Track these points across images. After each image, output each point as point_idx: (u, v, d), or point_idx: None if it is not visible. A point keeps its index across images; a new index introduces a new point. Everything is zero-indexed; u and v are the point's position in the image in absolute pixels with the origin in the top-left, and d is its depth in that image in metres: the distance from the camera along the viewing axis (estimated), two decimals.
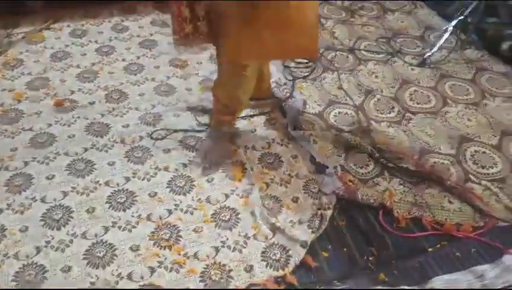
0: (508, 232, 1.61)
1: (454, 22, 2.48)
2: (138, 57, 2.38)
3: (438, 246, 1.56)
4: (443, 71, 2.43)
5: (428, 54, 2.48)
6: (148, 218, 1.60)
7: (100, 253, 1.47)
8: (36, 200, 1.62)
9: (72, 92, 2.11)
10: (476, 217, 1.68)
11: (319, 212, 1.64)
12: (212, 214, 1.63)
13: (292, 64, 2.41)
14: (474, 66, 2.48)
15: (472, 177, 1.83)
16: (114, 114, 2.01)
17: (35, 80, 2.15)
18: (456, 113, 2.16)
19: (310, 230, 1.58)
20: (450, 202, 1.73)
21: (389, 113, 2.16)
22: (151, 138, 1.91)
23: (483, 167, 1.87)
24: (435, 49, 2.49)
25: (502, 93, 2.28)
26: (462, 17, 2.44)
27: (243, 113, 2.02)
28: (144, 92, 2.16)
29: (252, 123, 2.04)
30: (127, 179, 1.73)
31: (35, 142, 1.84)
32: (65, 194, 1.65)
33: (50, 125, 1.92)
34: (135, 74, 2.26)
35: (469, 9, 2.43)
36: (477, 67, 2.47)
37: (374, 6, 3.01)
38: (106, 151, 1.83)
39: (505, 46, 2.51)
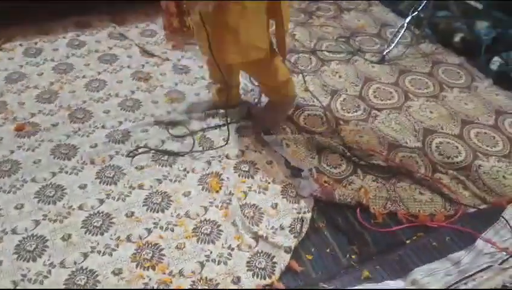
0: (477, 218, 1.69)
1: (408, 19, 2.56)
2: (99, 73, 2.31)
3: (415, 238, 1.62)
4: (402, 67, 2.52)
5: (386, 51, 2.56)
6: (128, 239, 1.56)
7: (81, 281, 1.42)
8: (7, 232, 1.54)
9: (33, 115, 2.02)
10: (446, 206, 1.74)
11: (299, 216, 1.66)
12: (193, 229, 1.61)
13: None
14: (430, 59, 2.58)
15: (439, 168, 1.90)
16: (80, 134, 1.95)
17: None
18: (418, 106, 2.24)
19: (292, 235, 1.59)
20: (421, 193, 1.79)
21: (356, 111, 2.21)
22: (129, 156, 1.87)
23: (448, 157, 1.95)
24: (392, 46, 2.57)
25: (458, 84, 2.39)
26: (415, 13, 2.52)
27: (212, 124, 2.03)
28: (109, 108, 2.10)
29: (223, 132, 2.03)
30: (101, 201, 1.68)
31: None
32: (37, 223, 1.58)
33: (13, 151, 1.83)
34: (98, 91, 2.20)
35: (422, 5, 2.51)
36: (433, 60, 2.57)
37: (330, 6, 3.07)
38: (76, 174, 1.77)
39: (456, 38, 2.63)
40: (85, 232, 1.57)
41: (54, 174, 1.76)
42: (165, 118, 2.06)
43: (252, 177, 1.84)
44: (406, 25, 2.57)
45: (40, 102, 2.09)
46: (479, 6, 2.77)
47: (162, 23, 1.83)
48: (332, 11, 3.03)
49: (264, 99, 2.20)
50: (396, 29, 2.63)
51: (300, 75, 2.42)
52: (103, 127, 2.00)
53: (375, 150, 1.98)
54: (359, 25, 2.88)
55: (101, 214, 1.63)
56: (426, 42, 2.73)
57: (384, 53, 2.55)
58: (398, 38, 2.57)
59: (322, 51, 2.62)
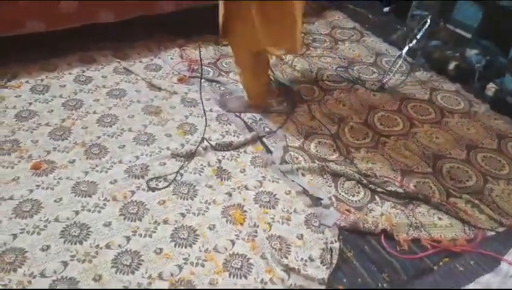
0: (497, 240, 1.76)
1: (405, 49, 2.68)
2: (109, 108, 2.31)
3: (441, 263, 1.67)
4: (402, 94, 2.62)
5: (385, 79, 2.66)
6: (160, 277, 1.55)
7: None
8: (35, 276, 1.50)
9: (48, 152, 2.00)
10: (466, 230, 1.81)
11: (328, 246, 1.69)
12: (223, 264, 1.61)
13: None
14: (427, 86, 2.70)
15: (453, 192, 1.97)
16: (98, 170, 1.94)
17: (3, 143, 2.01)
18: (424, 132, 2.33)
19: (324, 266, 1.62)
20: (439, 218, 1.85)
21: (364, 139, 2.28)
22: (148, 187, 1.87)
23: (460, 182, 2.03)
24: (391, 75, 2.68)
25: (458, 110, 2.51)
26: (413, 43, 2.64)
27: (227, 154, 2.07)
28: (124, 143, 2.10)
29: (239, 164, 2.06)
30: (128, 239, 1.66)
31: (20, 212, 1.71)
32: (65, 264, 1.55)
33: (32, 191, 1.80)
34: (110, 126, 2.19)
35: (419, 36, 2.64)
36: (431, 87, 2.69)
37: (325, 38, 3.18)
38: (99, 211, 1.75)
39: (451, 66, 2.76)
40: (116, 272, 1.55)
41: (76, 212, 1.74)
42: (181, 151, 2.07)
43: (274, 208, 1.86)
44: (403, 55, 2.69)
45: (53, 139, 2.07)
46: (468, 35, 2.92)
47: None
48: (328, 42, 3.14)
49: (272, 126, 2.25)
50: (394, 59, 2.75)
51: (305, 104, 2.48)
52: (120, 162, 1.99)
53: (390, 177, 2.04)
54: (355, 55, 2.99)
55: (129, 252, 1.61)
56: (421, 70, 2.85)
57: (384, 81, 2.65)
58: (396, 67, 2.68)
59: (323, 80, 2.70)
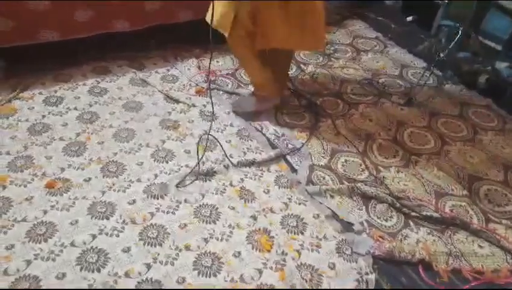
0: None
1: (435, 61, 2.56)
2: (126, 122, 2.21)
3: None
4: (430, 109, 2.50)
5: (413, 92, 2.54)
6: None
7: None
8: None
9: (63, 170, 1.89)
10: (508, 259, 1.68)
11: (363, 278, 1.57)
12: None
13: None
14: (457, 101, 2.57)
15: (492, 217, 1.85)
16: (116, 189, 1.83)
17: (16, 159, 1.91)
18: (457, 151, 2.20)
19: None
20: (480, 246, 1.73)
21: (394, 157, 2.16)
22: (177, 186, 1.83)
23: (498, 206, 1.90)
24: (419, 88, 2.56)
25: (491, 127, 2.38)
26: (443, 55, 2.53)
27: (250, 173, 1.96)
28: (142, 160, 1.99)
29: (262, 183, 1.94)
30: (149, 266, 1.55)
31: (34, 235, 1.61)
32: None
33: (46, 212, 1.70)
34: (127, 141, 2.09)
35: (447, 50, 2.52)
36: (460, 102, 2.56)
37: (347, 48, 3.07)
38: (117, 235, 1.65)
39: (481, 79, 2.64)
40: None
41: (93, 236, 1.63)
42: (201, 169, 1.96)
43: (302, 233, 1.74)
44: (432, 68, 2.57)
45: (68, 155, 1.97)
46: (498, 47, 2.80)
47: None
48: (350, 52, 3.02)
49: (296, 143, 2.14)
50: (423, 72, 2.63)
51: (329, 118, 2.37)
52: (138, 180, 1.89)
53: (424, 199, 1.92)
54: (379, 66, 2.87)
55: (150, 281, 1.50)
56: (449, 83, 2.73)
57: (412, 96, 2.53)
58: (425, 81, 2.56)
59: (347, 94, 2.58)
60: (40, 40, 2.34)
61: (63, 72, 2.49)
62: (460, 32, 2.48)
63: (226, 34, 2.06)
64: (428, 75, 2.57)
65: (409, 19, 3.31)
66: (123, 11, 2.47)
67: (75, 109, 2.25)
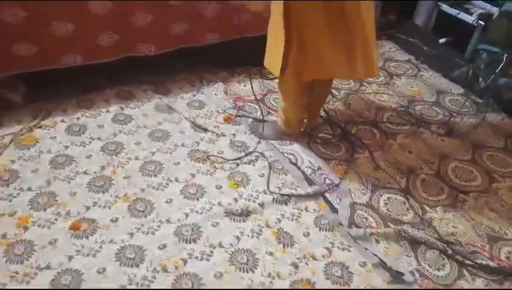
0: None
1: (478, 88, 2.42)
2: (152, 153, 2.08)
3: None
4: (473, 140, 2.35)
5: (453, 122, 2.40)
6: None
7: None
8: None
9: (87, 208, 1.76)
10: None
11: None
12: None
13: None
14: (500, 132, 2.42)
15: None
16: (144, 231, 1.70)
17: (38, 196, 1.79)
18: (507, 189, 2.05)
19: None
20: None
21: (439, 195, 2.01)
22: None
23: None
24: (459, 117, 2.42)
25: None
26: (487, 82, 2.38)
27: (287, 213, 1.82)
28: (171, 197, 1.86)
29: (301, 225, 1.80)
30: None
31: (58, 285, 1.48)
32: None
33: (71, 258, 1.57)
34: (155, 175, 1.96)
35: (490, 78, 2.38)
36: (505, 133, 2.41)
37: (379, 72, 2.93)
38: (148, 286, 1.51)
39: None
40: None
41: (123, 287, 1.49)
42: (235, 208, 1.82)
43: (348, 284, 1.59)
44: (473, 97, 2.43)
45: (93, 191, 1.84)
46: None
47: None
48: (383, 76, 2.89)
49: (333, 178, 2.00)
50: (464, 100, 2.48)
51: (366, 150, 2.23)
52: (168, 221, 1.75)
53: (476, 245, 1.77)
54: (414, 92, 2.73)
55: None
56: (489, 111, 2.58)
57: (452, 126, 2.38)
58: (462, 109, 2.42)
59: (384, 122, 2.44)
60: (63, 65, 2.23)
61: (85, 98, 2.38)
62: (505, 59, 2.33)
63: (276, 74, 1.95)
64: (467, 103, 2.42)
65: (442, 41, 3.17)
66: (149, 35, 2.36)
67: (99, 139, 2.13)
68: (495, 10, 2.98)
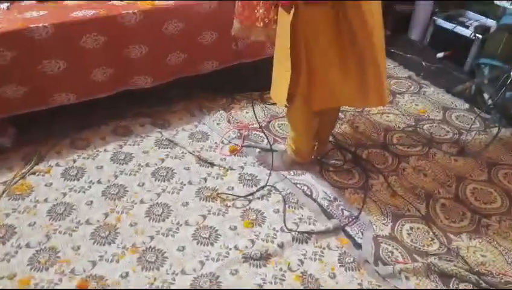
0: None
1: (488, 104, 2.37)
2: (158, 195, 1.95)
3: None
4: (486, 158, 2.28)
5: (464, 141, 2.34)
6: None
7: None
8: None
9: (94, 264, 1.62)
10: None
11: None
12: None
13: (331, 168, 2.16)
14: (511, 147, 2.36)
15: None
16: (158, 286, 1.56)
17: (38, 253, 1.64)
18: None
19: None
20: None
21: (462, 220, 1.93)
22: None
23: None
24: (468, 135, 2.36)
25: None
26: (496, 100, 2.33)
27: (310, 251, 1.70)
28: (183, 243, 1.73)
29: (326, 265, 1.69)
30: None
31: None
32: None
33: None
34: (163, 220, 1.82)
35: (499, 96, 2.33)
36: None
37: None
38: None
39: None
40: None
41: None
42: (253, 252, 1.70)
43: None
44: (481, 113, 2.37)
45: (98, 243, 1.70)
46: None
47: (238, 11, 1.85)
48: None
49: (351, 209, 1.90)
50: (474, 118, 2.43)
51: (380, 175, 2.14)
52: (183, 272, 1.62)
53: (508, 274, 1.68)
54: (420, 110, 2.66)
55: None
56: (496, 126, 2.52)
57: (464, 145, 2.31)
58: (476, 128, 2.36)
59: (394, 145, 2.36)
60: (54, 104, 2.10)
61: (80, 137, 2.24)
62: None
63: (282, 106, 1.85)
64: (474, 119, 2.37)
65: (440, 55, 3.13)
66: (145, 67, 2.25)
67: (99, 182, 1.99)
68: (491, 23, 2.96)
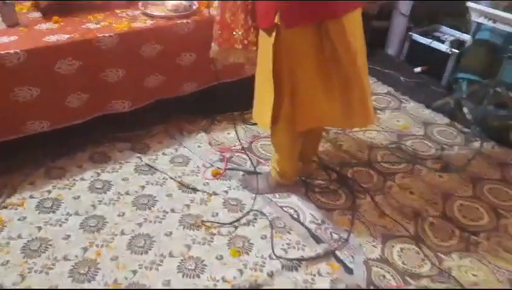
0: None
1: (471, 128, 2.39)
2: (139, 225, 1.86)
3: None
4: (470, 173, 2.29)
5: (447, 156, 2.34)
6: None
7: None
8: None
9: None
10: None
11: None
12: None
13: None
14: (494, 162, 2.37)
15: None
16: None
17: None
18: None
19: None
20: None
21: (451, 239, 1.91)
22: None
23: None
24: (452, 149, 2.37)
25: None
26: (470, 117, 2.35)
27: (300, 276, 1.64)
28: (168, 277, 1.64)
29: None
30: None
31: None
32: None
33: None
34: (146, 252, 1.74)
35: (480, 111, 2.35)
36: (499, 162, 2.37)
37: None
38: None
39: None
40: None
41: None
42: (242, 283, 1.63)
43: None
44: (468, 131, 2.39)
45: (77, 281, 1.60)
46: None
47: (216, 34, 1.79)
48: None
49: (339, 232, 1.86)
50: (456, 134, 2.44)
51: (367, 195, 2.11)
52: None
53: None
54: (402, 126, 2.66)
55: None
56: (477, 140, 2.54)
57: (447, 161, 2.31)
58: (462, 144, 2.37)
59: (379, 163, 2.34)
60: (27, 133, 1.99)
61: (55, 165, 2.14)
62: (492, 90, 2.31)
63: (266, 129, 1.80)
64: (455, 133, 2.37)
65: (417, 70, 3.16)
66: (122, 90, 2.17)
67: (77, 213, 1.89)
68: (466, 37, 3.01)
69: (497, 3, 2.55)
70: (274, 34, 1.56)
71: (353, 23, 1.59)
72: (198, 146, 2.36)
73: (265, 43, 1.62)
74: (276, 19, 1.53)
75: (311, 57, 1.60)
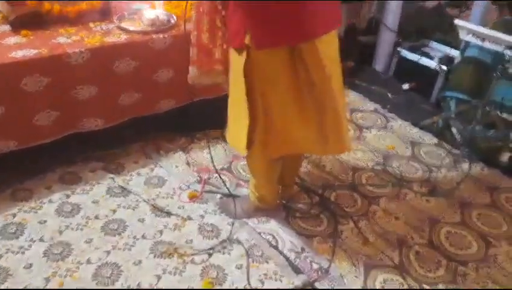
0: None
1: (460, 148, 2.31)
2: (107, 253, 1.75)
3: None
4: (458, 198, 2.20)
5: (435, 180, 2.26)
6: None
7: None
8: None
9: None
10: None
11: None
12: None
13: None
14: (483, 185, 2.29)
15: None
16: None
17: None
18: (505, 254, 1.89)
19: None
20: None
21: (437, 269, 1.82)
22: None
23: None
24: (439, 172, 2.28)
25: None
26: (459, 138, 2.28)
27: None
28: None
29: None
30: None
31: None
32: None
33: None
34: (112, 283, 1.63)
35: (469, 129, 2.27)
36: (488, 186, 2.28)
37: (349, 126, 2.76)
38: None
39: (504, 157, 2.39)
40: None
41: None
42: None
43: None
44: (457, 152, 2.31)
45: None
46: (511, 118, 2.58)
47: (193, 58, 1.72)
48: (352, 130, 2.71)
49: (321, 261, 1.76)
50: (444, 155, 2.36)
51: (350, 220, 2.02)
52: None
53: None
54: (388, 146, 2.57)
55: None
56: (466, 161, 2.46)
57: (435, 184, 2.23)
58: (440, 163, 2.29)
59: (363, 185, 2.25)
60: None
61: (22, 187, 2.03)
62: (481, 110, 2.23)
63: (242, 153, 1.71)
64: (444, 154, 2.30)
65: (405, 87, 3.08)
66: (94, 108, 2.07)
67: (41, 240, 1.78)
68: (455, 53, 2.94)
69: (485, 20, 2.49)
70: (245, 53, 1.48)
71: (328, 46, 1.51)
72: (176, 166, 2.26)
73: (237, 63, 1.53)
74: (247, 39, 1.44)
75: (283, 79, 1.51)
